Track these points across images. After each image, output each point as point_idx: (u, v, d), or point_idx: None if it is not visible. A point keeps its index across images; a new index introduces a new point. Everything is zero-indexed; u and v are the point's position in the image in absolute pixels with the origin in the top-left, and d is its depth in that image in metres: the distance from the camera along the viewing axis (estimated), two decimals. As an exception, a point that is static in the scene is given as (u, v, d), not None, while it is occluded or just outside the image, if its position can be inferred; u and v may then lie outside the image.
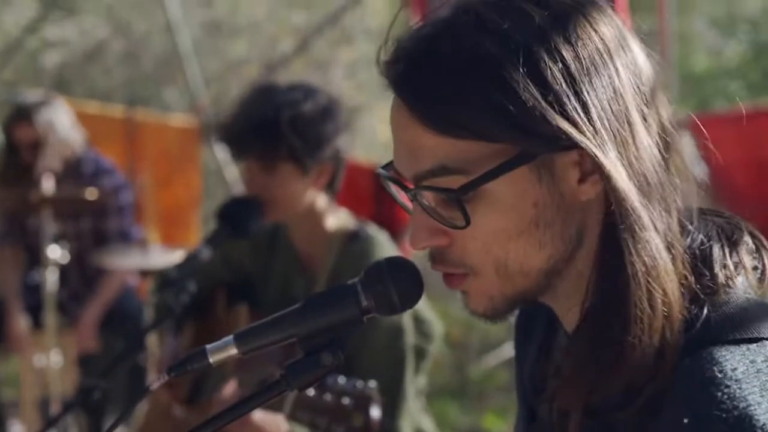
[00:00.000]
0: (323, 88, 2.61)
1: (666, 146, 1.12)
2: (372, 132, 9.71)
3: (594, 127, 1.05)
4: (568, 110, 1.05)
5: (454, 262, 1.12)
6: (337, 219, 2.62)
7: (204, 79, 7.24)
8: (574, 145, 1.06)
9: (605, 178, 1.06)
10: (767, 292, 1.16)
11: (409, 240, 1.14)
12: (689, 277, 1.10)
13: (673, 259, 1.09)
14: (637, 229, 1.06)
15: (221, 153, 6.48)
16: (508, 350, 6.06)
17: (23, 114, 4.54)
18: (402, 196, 1.16)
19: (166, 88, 9.56)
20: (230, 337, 1.16)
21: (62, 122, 4.59)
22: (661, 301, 1.06)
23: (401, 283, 1.14)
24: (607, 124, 1.06)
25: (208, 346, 1.16)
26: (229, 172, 6.26)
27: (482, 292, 1.13)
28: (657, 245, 1.07)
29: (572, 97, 1.05)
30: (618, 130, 1.07)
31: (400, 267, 1.15)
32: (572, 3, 1.10)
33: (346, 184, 2.69)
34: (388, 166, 1.15)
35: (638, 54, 1.12)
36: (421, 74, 1.07)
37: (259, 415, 2.15)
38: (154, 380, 1.24)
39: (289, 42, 9.35)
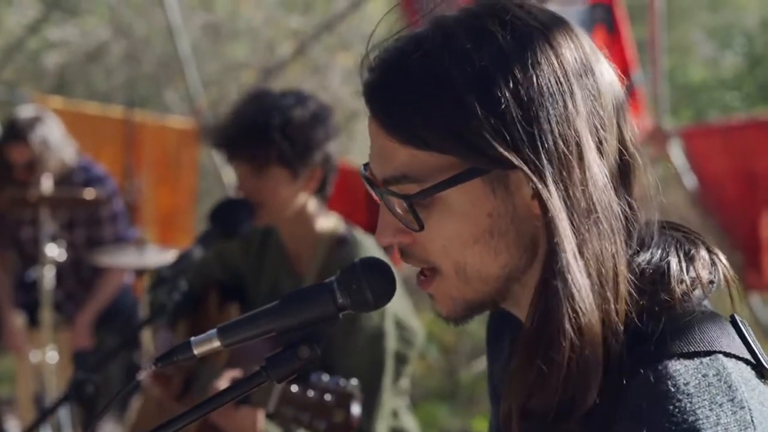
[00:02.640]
0: (315, 96, 2.64)
1: (626, 168, 1.16)
2: (368, 137, 9.70)
3: (535, 152, 1.10)
4: (512, 134, 1.09)
5: (419, 259, 1.19)
6: (327, 222, 2.66)
7: (203, 82, 7.28)
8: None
9: (539, 200, 1.11)
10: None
11: (376, 235, 1.22)
12: (633, 294, 1.13)
13: (605, 280, 1.12)
14: (559, 253, 1.10)
15: (218, 155, 6.51)
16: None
17: (17, 134, 4.44)
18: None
19: (166, 90, 9.60)
20: (213, 331, 1.23)
21: (55, 138, 4.52)
22: (585, 322, 1.10)
23: (375, 281, 1.22)
24: (552, 148, 1.10)
25: (192, 339, 1.23)
26: (226, 174, 6.31)
27: (446, 294, 1.19)
28: (579, 268, 1.10)
29: (519, 122, 1.09)
30: (564, 154, 1.10)
31: (374, 267, 1.23)
32: (539, 26, 1.13)
33: (340, 187, 2.72)
34: (367, 165, 1.23)
35: (602, 79, 1.15)
36: (389, 88, 1.15)
37: (240, 409, 2.22)
38: (143, 371, 1.31)
39: (287, 46, 9.38)
